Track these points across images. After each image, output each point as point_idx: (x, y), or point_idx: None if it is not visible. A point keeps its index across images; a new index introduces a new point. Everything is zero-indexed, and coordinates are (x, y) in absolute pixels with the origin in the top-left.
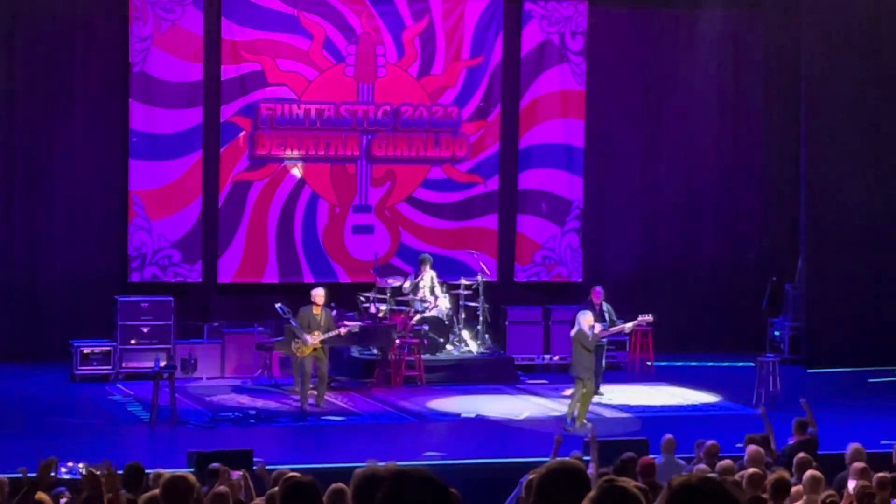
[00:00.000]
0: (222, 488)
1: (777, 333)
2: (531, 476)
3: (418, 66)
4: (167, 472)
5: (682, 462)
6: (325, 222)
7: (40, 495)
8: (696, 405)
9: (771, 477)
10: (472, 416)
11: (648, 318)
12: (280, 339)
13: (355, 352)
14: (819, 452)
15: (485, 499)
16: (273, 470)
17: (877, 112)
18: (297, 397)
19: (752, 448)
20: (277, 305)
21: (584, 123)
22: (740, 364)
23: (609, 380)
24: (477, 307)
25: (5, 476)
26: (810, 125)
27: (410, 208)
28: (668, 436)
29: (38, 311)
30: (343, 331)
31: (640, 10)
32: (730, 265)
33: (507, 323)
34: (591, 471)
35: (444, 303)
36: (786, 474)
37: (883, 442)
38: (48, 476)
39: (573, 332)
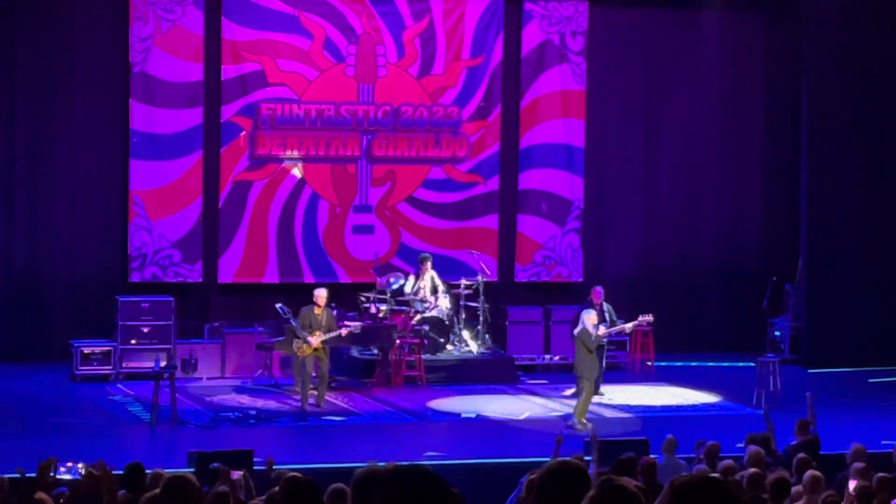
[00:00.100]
0: (222, 488)
1: (777, 333)
2: (531, 476)
3: (418, 66)
4: (167, 472)
5: (683, 462)
6: (325, 222)
7: (40, 495)
8: (696, 405)
9: (771, 477)
10: (473, 416)
11: (648, 318)
12: (280, 339)
13: (355, 352)
14: (820, 452)
15: (485, 499)
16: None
17: (877, 112)
18: (298, 397)
19: (752, 448)
20: (278, 305)
21: (584, 123)
22: (740, 364)
23: (609, 380)
24: (477, 307)
25: (5, 476)
26: (810, 125)
27: (411, 208)
28: (669, 436)
29: (39, 311)
30: (344, 331)
31: (640, 10)
32: (730, 265)
33: (507, 323)
34: (591, 471)
35: (444, 303)
36: (785, 474)
37: (883, 442)
38: (47, 476)
39: (576, 331)
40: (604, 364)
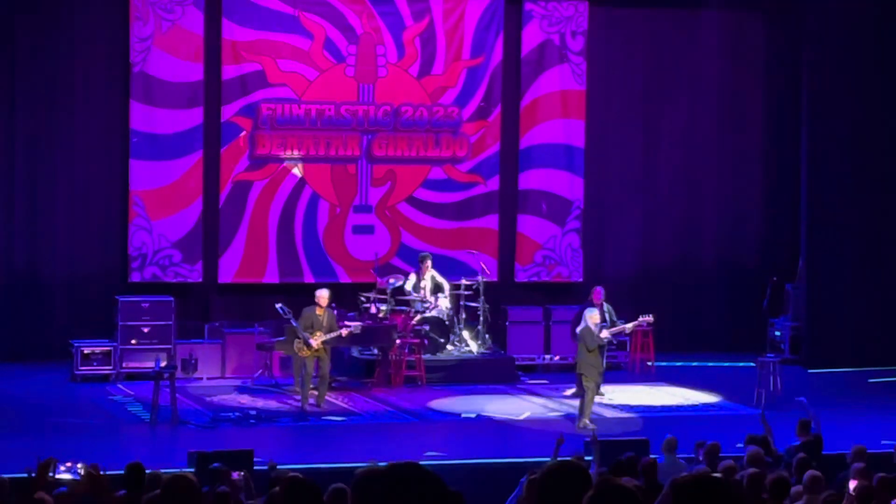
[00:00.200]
0: (223, 488)
1: (777, 333)
2: (531, 476)
3: (419, 66)
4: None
5: (684, 462)
6: (325, 222)
7: (40, 495)
8: (696, 405)
9: (770, 477)
10: (473, 416)
11: (649, 318)
12: (281, 339)
13: (356, 352)
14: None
15: (485, 499)
16: (276, 470)
17: (877, 112)
18: (298, 397)
19: (752, 448)
20: (278, 305)
21: (584, 123)
22: (741, 364)
23: (609, 380)
24: (477, 307)
25: (6, 476)
26: (810, 125)
27: (411, 208)
28: (670, 436)
29: (39, 311)
30: (344, 332)
31: (640, 10)
32: (730, 265)
33: (507, 323)
34: (592, 470)
35: (444, 303)
36: (785, 474)
37: (883, 442)
38: (46, 476)
39: (578, 329)
40: (604, 364)
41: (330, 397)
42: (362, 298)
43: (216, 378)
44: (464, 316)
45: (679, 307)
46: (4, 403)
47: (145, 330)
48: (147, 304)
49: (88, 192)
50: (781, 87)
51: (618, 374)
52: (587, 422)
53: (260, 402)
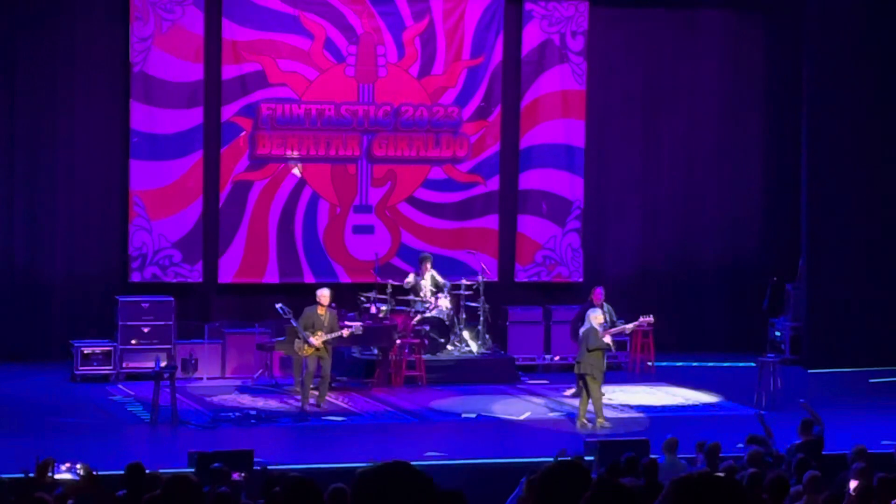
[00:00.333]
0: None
1: (778, 333)
2: (531, 476)
3: (419, 66)
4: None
5: (684, 462)
6: (325, 222)
7: (40, 495)
8: (696, 405)
9: (770, 476)
10: (473, 416)
11: (649, 318)
12: (281, 339)
13: (356, 352)
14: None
15: (485, 499)
16: (274, 470)
17: (878, 112)
18: (298, 397)
19: (752, 448)
20: (278, 305)
21: (584, 123)
22: (741, 364)
23: (610, 380)
24: (477, 307)
25: (5, 476)
26: (810, 125)
27: (411, 208)
28: (670, 436)
29: (39, 311)
30: (345, 332)
31: (640, 10)
32: (730, 265)
33: (507, 323)
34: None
35: (444, 303)
36: (784, 474)
37: (884, 442)
38: (45, 476)
39: (582, 330)
40: (605, 364)
41: (330, 397)
42: (362, 298)
43: (216, 378)
44: (464, 316)
45: (679, 307)
46: (4, 403)
47: (145, 330)
48: (147, 304)
49: (88, 192)
50: (781, 88)
51: (618, 374)
52: (603, 420)
53: (260, 403)
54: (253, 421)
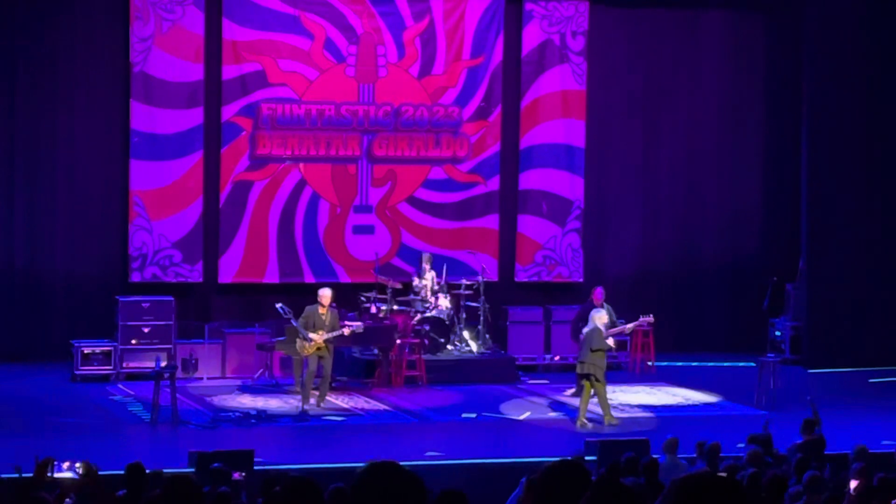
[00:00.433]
0: (224, 489)
1: (778, 333)
2: (531, 476)
3: (419, 66)
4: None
5: (685, 462)
6: (325, 222)
7: (39, 495)
8: (696, 405)
9: (768, 475)
10: (473, 416)
11: (649, 318)
12: (281, 339)
13: (356, 352)
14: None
15: (485, 499)
16: (274, 470)
17: (878, 112)
18: (298, 397)
19: (751, 448)
20: (278, 305)
21: (584, 123)
22: (741, 364)
23: (610, 380)
24: (478, 307)
25: (5, 476)
26: (811, 125)
27: (411, 208)
28: (671, 436)
29: (39, 311)
30: (346, 331)
31: (640, 10)
32: (730, 265)
33: (507, 323)
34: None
35: (444, 303)
36: (781, 473)
37: (884, 442)
38: (44, 476)
39: (586, 330)
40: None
41: (330, 397)
42: (362, 298)
43: (216, 378)
44: (464, 316)
45: (679, 307)
46: (4, 403)
47: (146, 330)
48: (147, 304)
49: (88, 192)
50: (781, 88)
51: (618, 374)
52: (611, 417)
53: (260, 403)
54: (253, 421)
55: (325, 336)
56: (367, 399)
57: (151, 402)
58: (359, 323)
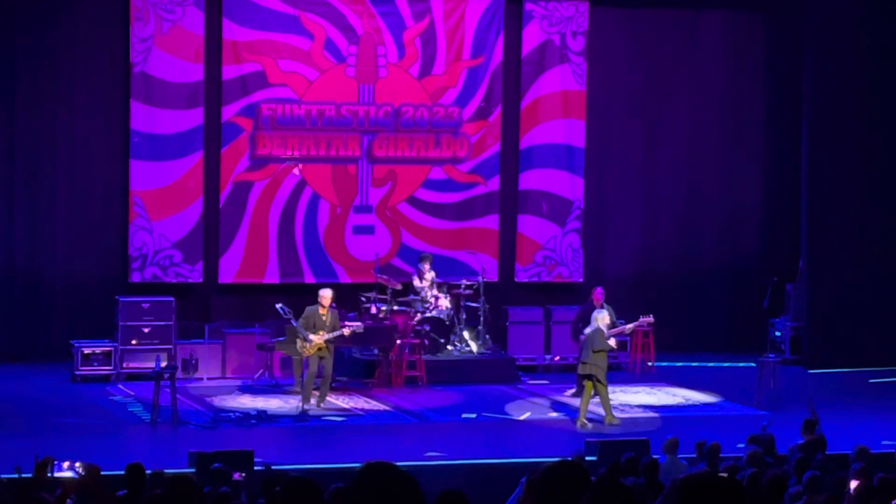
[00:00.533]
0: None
1: (778, 334)
2: (531, 476)
3: (419, 66)
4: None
5: (685, 463)
6: (325, 223)
7: (39, 495)
8: (696, 405)
9: (767, 475)
10: (473, 416)
11: (649, 318)
12: (281, 339)
13: (356, 352)
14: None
15: (485, 499)
16: (274, 470)
17: (878, 112)
18: (298, 397)
19: (751, 448)
20: (278, 306)
21: (584, 124)
22: (741, 364)
23: (610, 380)
24: (478, 307)
25: (4, 476)
26: (811, 125)
27: (411, 208)
28: (671, 436)
29: (39, 312)
30: (347, 331)
31: (640, 10)
32: (730, 265)
33: (507, 323)
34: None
35: (444, 303)
36: (781, 473)
37: (884, 442)
38: (44, 476)
39: (588, 331)
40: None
41: (330, 397)
42: (363, 299)
43: (217, 378)
44: (464, 316)
45: (679, 307)
46: (4, 403)
47: (146, 330)
48: (147, 305)
49: (88, 192)
50: (781, 88)
51: (618, 374)
52: (612, 417)
53: (260, 403)
54: (253, 421)
55: (326, 336)
56: (367, 399)
57: (151, 403)
58: (359, 323)
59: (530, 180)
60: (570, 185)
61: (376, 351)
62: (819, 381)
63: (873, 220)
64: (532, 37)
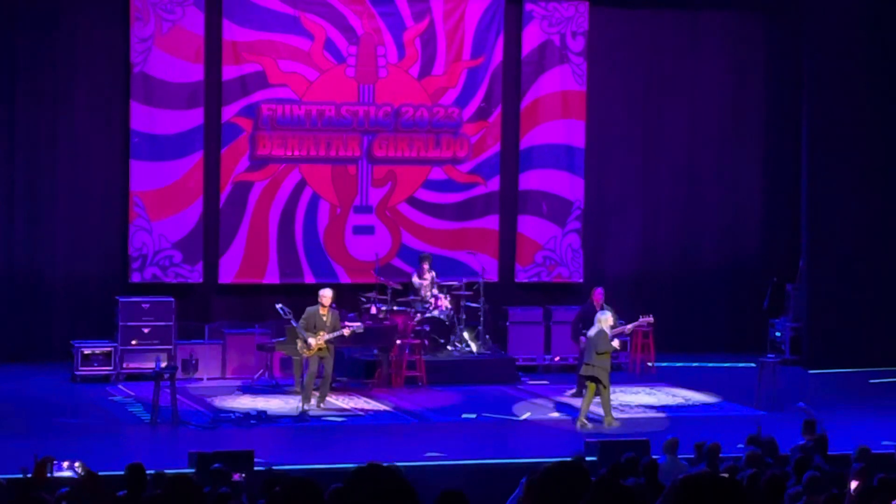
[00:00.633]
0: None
1: (778, 334)
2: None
3: (419, 66)
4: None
5: (685, 463)
6: (325, 223)
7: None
8: (696, 406)
9: (766, 475)
10: (473, 416)
11: (649, 318)
12: (281, 339)
13: (356, 352)
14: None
15: (485, 499)
16: (274, 470)
17: (878, 112)
18: (298, 398)
19: (750, 449)
20: (278, 306)
21: (584, 124)
22: (741, 365)
23: (611, 381)
24: (478, 308)
25: (4, 476)
26: (811, 125)
27: (411, 209)
28: (671, 436)
29: (40, 312)
30: (347, 331)
31: (640, 10)
32: (730, 265)
33: (507, 324)
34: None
35: (444, 303)
36: (780, 474)
37: (884, 443)
38: (44, 476)
39: (591, 332)
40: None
41: (330, 398)
42: (363, 299)
43: (216, 378)
44: (464, 316)
45: (679, 307)
46: (5, 403)
47: (146, 330)
48: (147, 305)
49: (88, 192)
50: (781, 88)
51: (618, 374)
52: (612, 419)
53: (260, 403)
54: (253, 421)
55: (326, 337)
56: (367, 399)
57: (151, 403)
58: (359, 323)
59: (530, 181)
60: (570, 186)
61: (376, 351)
62: (819, 381)
63: (873, 220)
64: (532, 37)
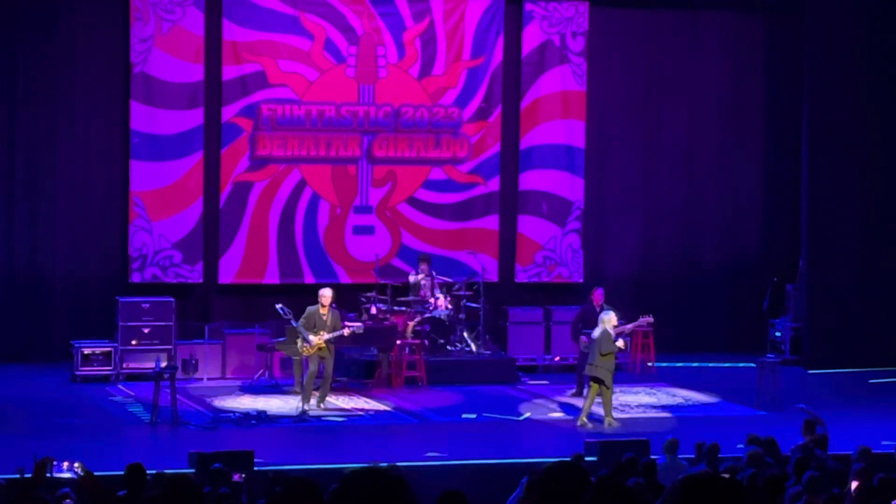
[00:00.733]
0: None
1: (778, 334)
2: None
3: (419, 66)
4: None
5: (685, 463)
6: (325, 223)
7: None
8: (696, 406)
9: (765, 476)
10: (473, 416)
11: (649, 318)
12: (281, 339)
13: (356, 352)
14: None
15: (485, 499)
16: (271, 470)
17: (878, 112)
18: (298, 398)
19: (750, 449)
20: (278, 306)
21: (584, 124)
22: (741, 365)
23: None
24: (478, 308)
25: (4, 477)
26: (811, 125)
27: (411, 209)
28: (671, 436)
29: (40, 312)
30: (347, 331)
31: (640, 10)
32: (730, 265)
33: (507, 324)
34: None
35: (444, 303)
36: (779, 473)
37: (884, 443)
38: (43, 476)
39: (595, 334)
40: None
41: (330, 397)
42: (363, 299)
43: (217, 379)
44: (464, 316)
45: (679, 308)
46: (5, 404)
47: (146, 330)
48: (147, 305)
49: (88, 192)
50: (781, 88)
51: (618, 374)
52: (612, 419)
53: (261, 403)
54: (253, 422)
55: (326, 337)
56: (367, 399)
57: (151, 403)
58: (359, 324)
59: (530, 181)
60: (570, 186)
61: (376, 351)
62: (819, 381)
63: (873, 220)
64: (532, 37)
